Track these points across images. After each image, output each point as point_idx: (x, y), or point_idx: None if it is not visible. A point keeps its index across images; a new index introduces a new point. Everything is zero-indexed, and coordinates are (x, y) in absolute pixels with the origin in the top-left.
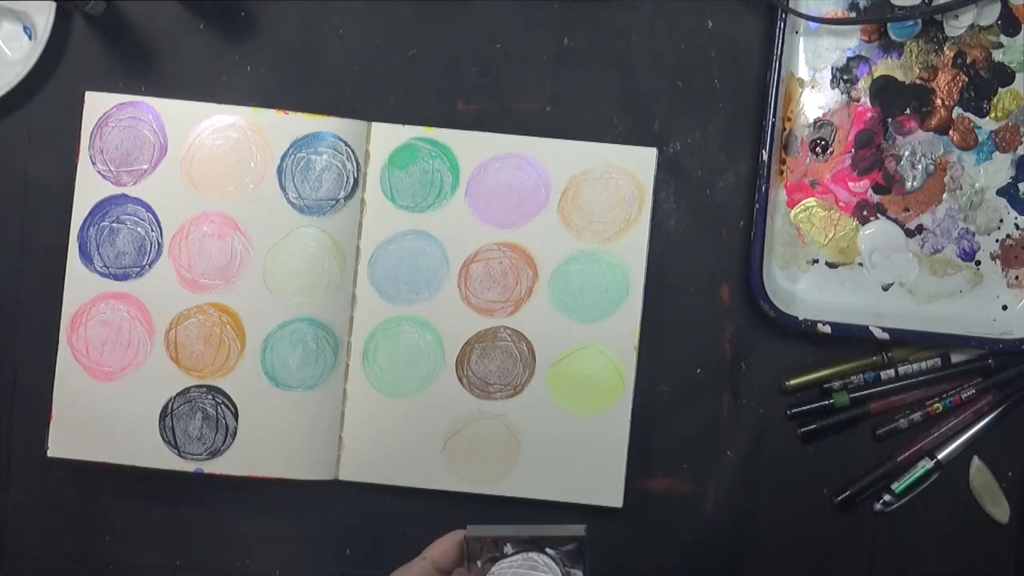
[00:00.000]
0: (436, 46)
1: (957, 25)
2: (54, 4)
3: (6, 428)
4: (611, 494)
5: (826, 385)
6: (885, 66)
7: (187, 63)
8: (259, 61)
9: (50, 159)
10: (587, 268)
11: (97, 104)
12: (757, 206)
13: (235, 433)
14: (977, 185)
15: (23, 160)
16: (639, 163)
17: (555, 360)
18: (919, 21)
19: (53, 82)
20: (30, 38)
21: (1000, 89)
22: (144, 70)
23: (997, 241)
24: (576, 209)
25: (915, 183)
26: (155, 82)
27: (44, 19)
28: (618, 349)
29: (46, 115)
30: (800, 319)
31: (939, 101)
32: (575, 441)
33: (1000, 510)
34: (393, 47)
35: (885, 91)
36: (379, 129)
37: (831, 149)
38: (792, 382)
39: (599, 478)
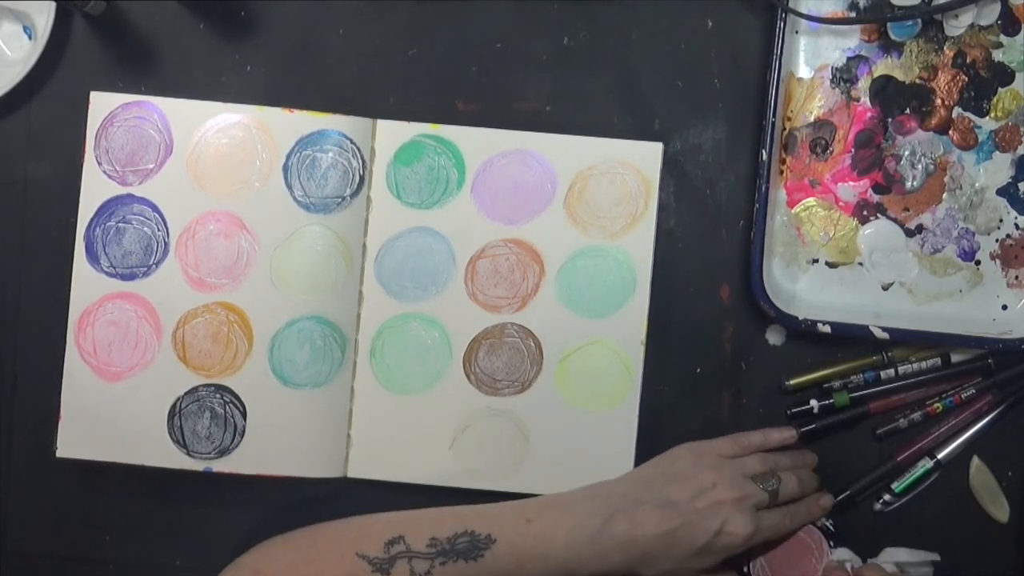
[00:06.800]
0: (436, 46)
1: (957, 25)
2: (54, 4)
3: (7, 427)
4: None
5: (826, 385)
6: (885, 66)
7: (187, 63)
8: (259, 61)
9: (50, 159)
10: (594, 263)
11: (102, 104)
12: (757, 206)
13: (243, 432)
14: (977, 185)
15: (23, 160)
16: (645, 158)
17: (562, 356)
18: (919, 21)
19: (53, 82)
20: (30, 38)
21: (1000, 89)
22: (144, 70)
23: (997, 241)
24: (582, 205)
25: (915, 183)
26: (155, 82)
27: (44, 19)
28: (626, 344)
29: (46, 115)
30: (800, 319)
31: (939, 101)
32: (583, 436)
33: (1000, 510)
34: (393, 47)
35: (885, 91)
36: (384, 126)
37: (831, 149)
38: (792, 382)
39: (607, 474)
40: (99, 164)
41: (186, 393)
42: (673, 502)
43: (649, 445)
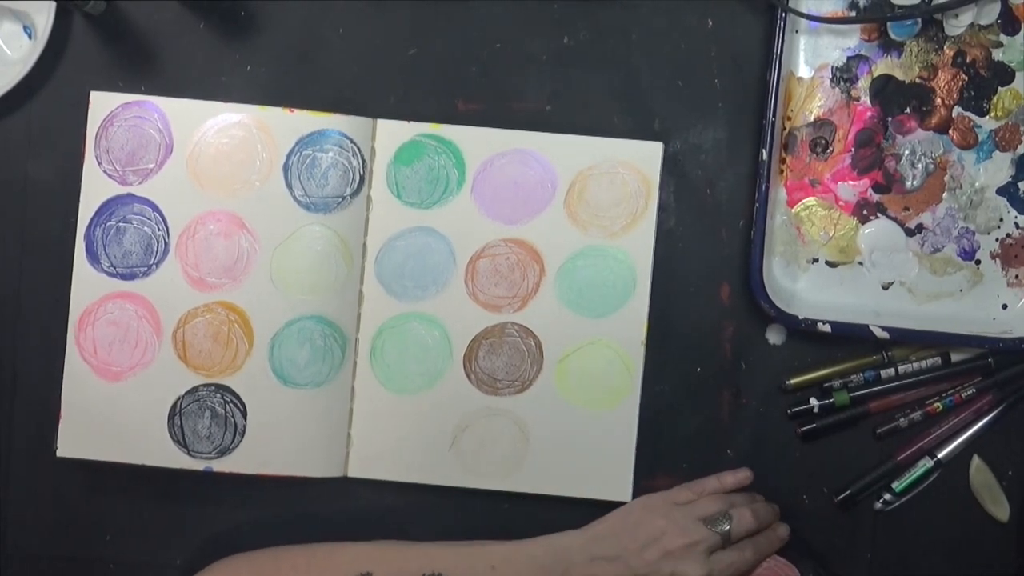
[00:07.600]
0: (436, 46)
1: (957, 24)
2: (54, 4)
3: (7, 427)
4: (620, 489)
5: (826, 384)
6: (885, 65)
7: (187, 63)
8: (259, 60)
9: (50, 159)
10: (594, 263)
11: (102, 104)
12: (757, 205)
13: (244, 431)
14: (977, 184)
15: (23, 160)
16: (645, 158)
17: (563, 355)
18: (919, 20)
19: (53, 82)
20: (30, 38)
21: (1000, 88)
22: (144, 70)
23: (997, 240)
24: (582, 204)
25: (915, 182)
26: (155, 82)
27: (44, 19)
28: (626, 344)
29: (46, 115)
30: (800, 318)
31: (939, 100)
32: (583, 436)
33: (1000, 509)
34: (393, 47)
35: (885, 90)
36: (384, 126)
37: (831, 148)
38: (792, 381)
39: (608, 473)
40: (99, 164)
41: (186, 393)
42: (624, 554)
43: (649, 445)
